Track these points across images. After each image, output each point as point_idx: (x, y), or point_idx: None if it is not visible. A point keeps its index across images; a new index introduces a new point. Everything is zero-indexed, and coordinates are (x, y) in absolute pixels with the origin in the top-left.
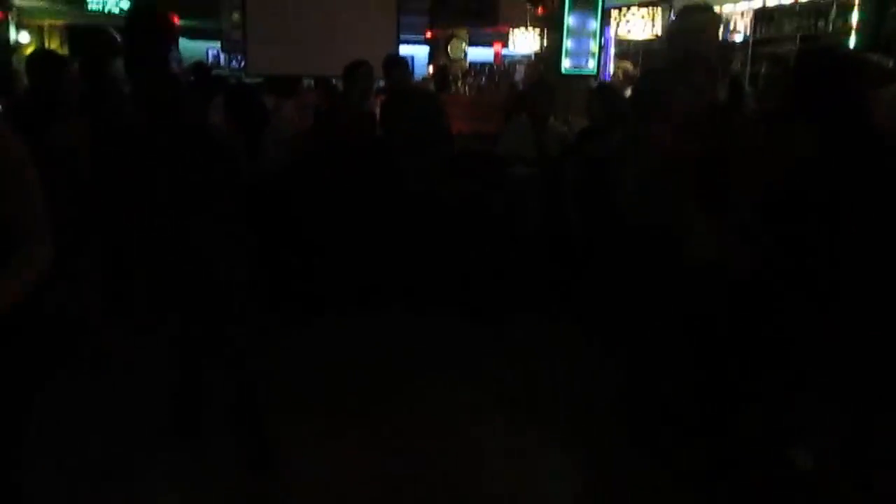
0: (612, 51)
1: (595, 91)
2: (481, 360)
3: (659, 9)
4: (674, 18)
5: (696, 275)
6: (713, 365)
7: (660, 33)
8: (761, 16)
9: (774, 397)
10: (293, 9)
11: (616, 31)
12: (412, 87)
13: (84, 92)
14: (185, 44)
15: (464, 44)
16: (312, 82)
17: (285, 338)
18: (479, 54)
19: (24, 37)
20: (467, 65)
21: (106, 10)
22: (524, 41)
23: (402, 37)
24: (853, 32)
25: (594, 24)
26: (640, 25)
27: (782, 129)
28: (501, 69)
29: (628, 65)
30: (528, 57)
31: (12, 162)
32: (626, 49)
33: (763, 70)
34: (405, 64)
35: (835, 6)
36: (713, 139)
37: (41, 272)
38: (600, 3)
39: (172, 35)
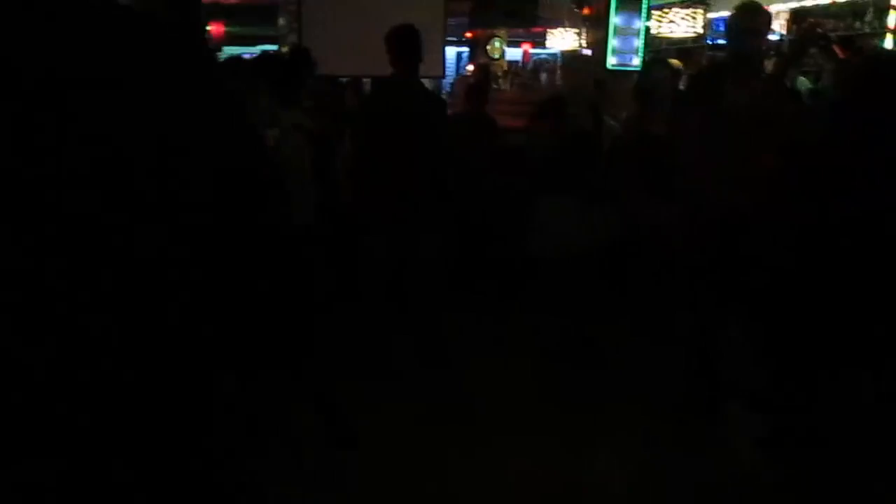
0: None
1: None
2: None
3: (701, 9)
4: (732, 16)
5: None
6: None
7: (700, 32)
8: (797, 15)
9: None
10: (346, 13)
11: (659, 29)
12: None
13: None
14: (230, 50)
15: (502, 44)
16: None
17: None
18: (509, 54)
19: None
20: (506, 64)
21: None
22: (562, 40)
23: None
24: (889, 34)
25: (639, 23)
26: (684, 25)
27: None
28: (529, 67)
29: (675, 62)
30: (555, 56)
31: None
32: (658, 48)
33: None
34: None
35: (872, 7)
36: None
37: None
38: (646, 3)
39: None
